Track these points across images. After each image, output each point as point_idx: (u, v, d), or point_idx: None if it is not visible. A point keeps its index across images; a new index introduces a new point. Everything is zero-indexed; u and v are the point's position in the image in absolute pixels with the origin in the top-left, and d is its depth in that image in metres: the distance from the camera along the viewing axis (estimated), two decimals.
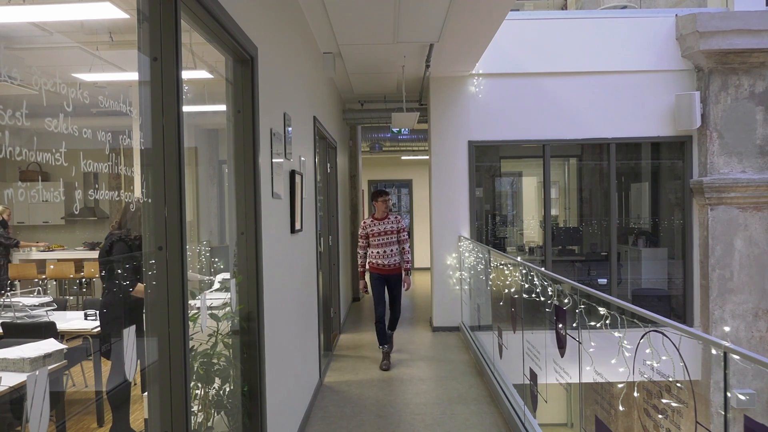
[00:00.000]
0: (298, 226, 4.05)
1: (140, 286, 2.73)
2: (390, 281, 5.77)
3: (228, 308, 2.80)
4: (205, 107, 3.36)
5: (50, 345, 2.82)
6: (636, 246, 7.50)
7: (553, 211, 8.52)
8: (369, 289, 5.89)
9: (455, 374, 5.40)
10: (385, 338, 5.72)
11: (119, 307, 3.04)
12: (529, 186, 9.03)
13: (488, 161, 7.66)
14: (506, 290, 4.75)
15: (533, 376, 3.78)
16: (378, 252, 5.69)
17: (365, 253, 5.78)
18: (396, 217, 5.74)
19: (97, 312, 3.56)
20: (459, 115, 6.97)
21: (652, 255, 7.41)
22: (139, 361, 1.80)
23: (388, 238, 5.68)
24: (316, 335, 5.03)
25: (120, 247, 2.97)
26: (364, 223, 5.78)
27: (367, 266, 5.86)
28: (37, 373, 1.36)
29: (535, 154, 7.21)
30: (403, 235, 5.75)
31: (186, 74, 1.99)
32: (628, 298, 7.18)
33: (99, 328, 3.55)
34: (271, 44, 3.34)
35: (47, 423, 1.37)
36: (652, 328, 2.27)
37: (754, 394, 6.11)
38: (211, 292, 3.09)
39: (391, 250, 5.70)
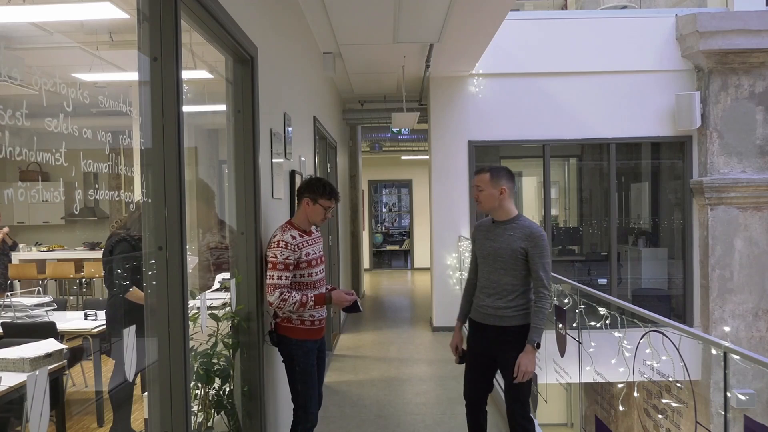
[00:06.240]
0: None
1: (136, 291, 2.72)
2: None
3: (228, 308, 2.80)
4: (205, 107, 3.36)
5: (50, 345, 2.83)
6: (636, 246, 7.50)
7: (553, 211, 8.52)
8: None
9: (455, 374, 5.39)
10: None
11: (123, 308, 3.04)
12: (529, 186, 9.02)
13: (488, 161, 7.65)
14: None
15: (533, 376, 3.78)
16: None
17: (300, 301, 2.83)
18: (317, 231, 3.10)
19: (104, 312, 3.56)
20: (459, 115, 6.96)
21: (652, 255, 7.41)
22: (138, 362, 1.80)
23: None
24: None
25: (122, 247, 2.98)
26: (293, 238, 2.79)
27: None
28: (37, 373, 1.36)
29: (535, 154, 7.21)
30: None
31: (186, 74, 1.99)
32: (628, 298, 7.18)
33: (104, 326, 3.55)
34: (271, 44, 3.34)
35: (47, 423, 1.37)
36: (652, 328, 2.28)
37: (754, 394, 6.11)
38: (211, 292, 3.09)
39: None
